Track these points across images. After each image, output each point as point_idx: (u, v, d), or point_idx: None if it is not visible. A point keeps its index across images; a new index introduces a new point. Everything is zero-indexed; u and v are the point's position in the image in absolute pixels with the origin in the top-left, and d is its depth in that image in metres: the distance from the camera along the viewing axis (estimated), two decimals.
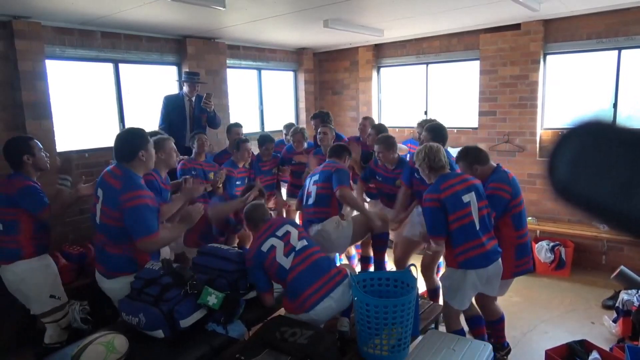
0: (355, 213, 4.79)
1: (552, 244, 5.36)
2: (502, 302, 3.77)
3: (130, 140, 2.92)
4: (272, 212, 4.50)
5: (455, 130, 6.39)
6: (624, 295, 4.08)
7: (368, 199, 4.99)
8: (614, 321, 4.00)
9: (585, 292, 4.88)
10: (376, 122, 7.04)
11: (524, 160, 5.84)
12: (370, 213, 4.06)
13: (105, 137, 5.22)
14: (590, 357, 3.28)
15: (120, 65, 5.33)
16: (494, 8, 4.80)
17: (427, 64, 6.78)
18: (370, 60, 7.22)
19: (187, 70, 5.65)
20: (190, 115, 5.31)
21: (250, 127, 6.83)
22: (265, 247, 2.99)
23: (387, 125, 5.78)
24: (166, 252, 3.49)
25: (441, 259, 4.51)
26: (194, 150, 4.65)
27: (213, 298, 2.67)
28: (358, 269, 4.90)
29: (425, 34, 6.44)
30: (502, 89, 5.94)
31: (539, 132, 5.83)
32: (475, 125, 6.25)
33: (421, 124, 4.63)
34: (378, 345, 2.62)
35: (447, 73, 6.68)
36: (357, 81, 7.47)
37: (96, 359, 2.28)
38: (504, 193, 3.31)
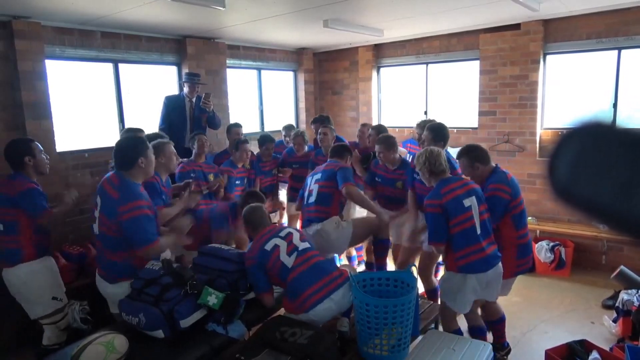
0: (355, 215, 4.80)
1: (552, 243, 5.36)
2: (502, 302, 3.76)
3: (129, 148, 2.92)
4: (270, 215, 4.50)
5: (455, 130, 6.39)
6: (624, 295, 4.08)
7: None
8: (614, 321, 4.00)
9: (585, 292, 4.88)
10: (376, 122, 7.09)
11: (523, 160, 5.84)
12: (378, 209, 4.02)
13: (105, 137, 5.23)
14: (590, 357, 3.28)
15: (120, 65, 5.33)
16: (493, 8, 4.80)
17: (427, 64, 6.78)
18: (370, 60, 7.22)
19: (187, 70, 5.65)
20: (191, 116, 5.31)
21: (250, 127, 6.83)
22: (269, 247, 2.98)
23: (387, 125, 5.79)
24: (166, 253, 3.49)
25: (440, 259, 4.51)
26: (193, 152, 4.64)
27: (213, 298, 2.67)
28: (359, 269, 4.90)
29: (425, 34, 6.44)
30: (502, 89, 5.94)
31: (538, 132, 5.83)
32: (475, 125, 6.25)
33: (420, 125, 4.62)
34: (378, 345, 2.62)
35: (447, 73, 6.68)
36: (357, 81, 7.47)
37: (96, 359, 2.28)
38: (503, 194, 3.30)
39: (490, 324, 3.56)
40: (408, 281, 2.84)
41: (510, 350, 3.65)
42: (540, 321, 4.30)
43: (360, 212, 4.87)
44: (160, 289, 2.63)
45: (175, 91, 5.80)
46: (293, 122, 7.72)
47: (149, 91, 5.71)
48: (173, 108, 5.25)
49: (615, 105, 5.33)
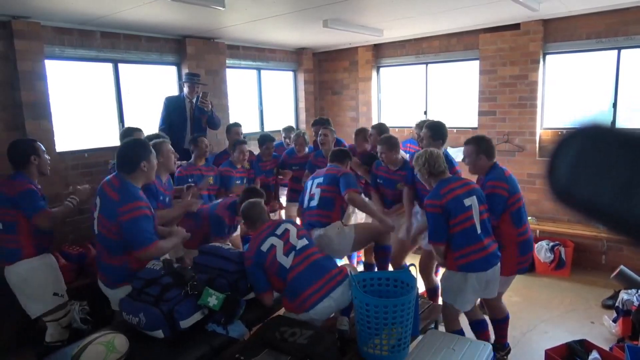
0: (358, 220, 4.80)
1: (551, 243, 5.36)
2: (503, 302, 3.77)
3: (133, 151, 2.91)
4: (270, 215, 4.49)
5: (455, 130, 6.39)
6: (623, 295, 4.08)
7: (366, 199, 4.98)
8: (614, 321, 4.00)
9: (585, 291, 4.88)
10: (376, 122, 7.08)
11: (523, 160, 5.85)
12: (381, 215, 4.02)
13: (105, 137, 5.23)
14: (590, 357, 3.29)
15: (120, 65, 5.33)
16: (493, 8, 4.80)
17: (426, 64, 6.78)
18: (369, 60, 7.22)
19: (187, 70, 5.65)
20: (191, 117, 5.31)
21: (250, 127, 6.84)
22: (265, 247, 2.98)
23: (386, 125, 5.79)
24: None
25: None
26: (193, 155, 4.62)
27: (213, 299, 2.67)
28: (359, 268, 4.90)
29: (425, 34, 6.45)
30: (501, 89, 5.94)
31: (538, 131, 5.83)
32: (475, 125, 6.25)
33: (419, 125, 4.62)
34: (378, 345, 2.62)
35: (447, 73, 6.68)
36: (357, 81, 7.47)
37: (96, 359, 2.28)
38: (502, 191, 3.31)
39: (494, 322, 3.56)
40: (408, 281, 2.84)
41: (510, 350, 3.65)
42: (540, 321, 4.30)
43: (360, 218, 4.88)
44: (160, 289, 2.63)
45: (175, 91, 5.80)
46: (293, 122, 7.73)
47: (148, 91, 5.71)
48: (173, 109, 5.25)
49: (614, 105, 5.33)
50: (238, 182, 4.76)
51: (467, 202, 3.08)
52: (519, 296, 4.75)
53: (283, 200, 5.63)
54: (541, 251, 5.35)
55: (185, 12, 4.46)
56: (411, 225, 4.17)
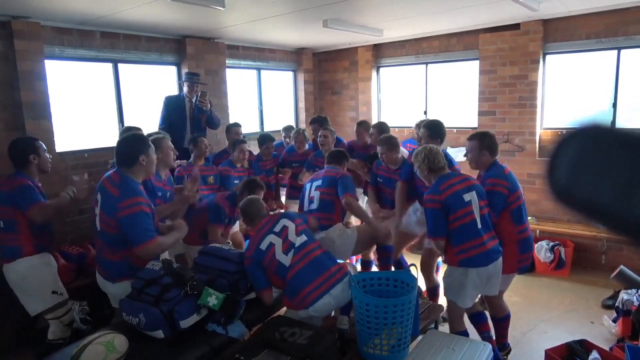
0: (359, 222, 4.80)
1: (551, 243, 5.36)
2: None
3: (131, 146, 2.90)
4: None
5: (455, 130, 6.39)
6: (623, 295, 4.08)
7: (366, 198, 4.99)
8: (614, 321, 4.00)
9: (585, 291, 4.88)
10: (376, 122, 7.08)
11: (523, 160, 5.85)
12: (375, 222, 4.02)
13: (105, 137, 5.23)
14: (590, 357, 3.28)
15: (120, 65, 5.33)
16: (493, 8, 4.80)
17: (426, 63, 6.78)
18: (369, 60, 7.22)
19: (187, 70, 5.65)
20: (191, 116, 5.31)
21: (249, 127, 6.84)
22: (263, 245, 2.98)
23: (387, 124, 5.79)
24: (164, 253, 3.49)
25: (440, 258, 4.52)
26: (192, 154, 4.62)
27: (213, 299, 2.67)
28: (358, 266, 4.90)
29: (425, 34, 6.45)
30: (501, 89, 5.95)
31: (538, 131, 5.83)
32: (475, 125, 6.24)
33: (419, 125, 4.62)
34: (378, 345, 2.62)
35: (447, 73, 6.68)
36: (357, 81, 7.47)
37: (96, 359, 2.28)
38: (502, 189, 3.31)
39: (495, 321, 3.56)
40: (408, 281, 2.84)
41: (510, 350, 3.65)
42: (540, 321, 4.30)
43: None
44: (160, 289, 2.63)
45: (174, 91, 5.80)
46: (292, 122, 7.73)
47: (148, 91, 5.71)
48: (173, 108, 5.25)
49: (614, 105, 5.34)
50: (236, 181, 4.75)
51: (466, 197, 3.08)
52: (519, 296, 4.75)
53: (283, 199, 5.63)
54: (541, 251, 5.35)
55: (185, 12, 4.46)
56: (400, 222, 4.24)
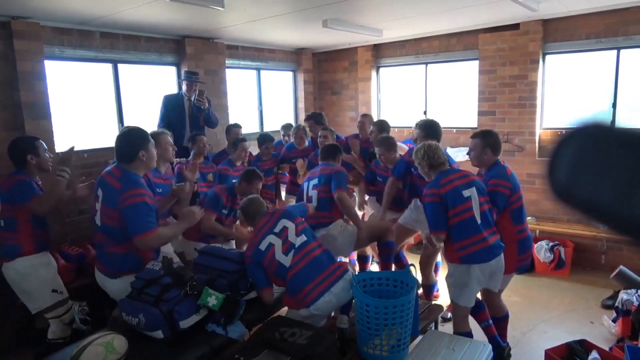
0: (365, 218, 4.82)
1: (551, 243, 5.36)
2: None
3: (131, 141, 2.91)
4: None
5: (455, 130, 6.40)
6: (623, 295, 4.08)
7: (367, 197, 5.00)
8: (614, 321, 4.00)
9: (585, 291, 4.88)
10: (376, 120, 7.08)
11: (523, 160, 5.85)
12: (361, 224, 4.01)
13: (104, 137, 5.22)
14: (589, 357, 3.28)
15: (119, 66, 5.33)
16: (493, 8, 4.80)
17: (426, 64, 6.78)
18: (369, 60, 7.22)
19: (187, 69, 5.65)
20: (190, 115, 5.31)
21: (249, 127, 6.84)
22: (263, 246, 2.98)
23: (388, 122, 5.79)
24: (168, 248, 3.48)
25: (439, 258, 4.52)
26: (192, 152, 4.63)
27: (213, 299, 2.67)
28: (357, 268, 4.90)
29: (425, 34, 6.45)
30: (501, 89, 5.95)
31: (538, 131, 5.83)
32: (475, 125, 6.24)
33: (418, 125, 4.62)
34: (378, 346, 2.62)
35: (447, 73, 6.68)
36: (356, 81, 7.47)
37: None
38: (504, 189, 3.31)
39: (494, 321, 3.56)
40: (408, 281, 2.84)
41: (510, 350, 3.64)
42: (540, 321, 4.30)
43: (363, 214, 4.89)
44: (160, 289, 2.63)
45: (174, 91, 5.79)
46: (292, 122, 7.72)
47: (148, 91, 5.70)
48: (172, 107, 5.25)
49: (614, 105, 5.34)
50: (234, 181, 4.75)
51: (466, 193, 3.08)
52: (518, 296, 4.75)
53: (283, 194, 5.65)
54: (541, 251, 5.35)
55: (184, 12, 4.46)
56: (384, 215, 4.36)
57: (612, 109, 5.35)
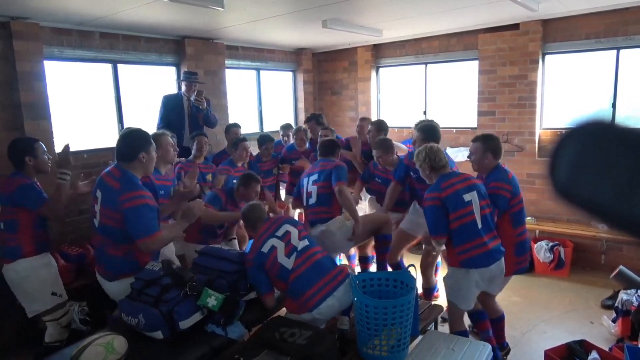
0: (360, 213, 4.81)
1: (551, 243, 5.36)
2: (502, 302, 3.76)
3: (132, 141, 2.91)
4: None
5: (455, 130, 6.40)
6: (623, 295, 4.08)
7: (369, 196, 5.01)
8: (613, 321, 4.00)
9: (585, 292, 4.88)
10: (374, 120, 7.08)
11: (522, 160, 5.85)
12: (358, 218, 4.00)
13: (104, 137, 5.22)
14: (589, 357, 3.28)
15: (119, 66, 5.32)
16: (492, 8, 4.80)
17: (426, 64, 6.78)
18: (369, 61, 7.22)
19: (186, 69, 5.65)
20: (189, 115, 5.31)
21: (249, 127, 6.84)
22: (265, 248, 2.98)
23: (386, 122, 5.79)
24: (171, 251, 3.48)
25: (439, 259, 4.52)
26: (192, 152, 4.62)
27: (212, 300, 2.67)
28: (358, 269, 4.90)
29: (424, 34, 6.45)
30: (501, 89, 5.95)
31: (537, 132, 5.83)
32: (475, 125, 6.25)
33: (418, 125, 4.62)
34: (377, 346, 2.62)
35: (446, 73, 6.68)
36: (356, 81, 7.47)
37: None
38: (505, 192, 3.31)
39: (490, 323, 3.56)
40: (407, 282, 2.84)
41: (509, 350, 3.65)
42: (540, 321, 4.30)
43: (361, 209, 4.88)
44: (160, 290, 2.63)
45: (174, 92, 5.79)
46: (292, 122, 7.72)
47: (147, 92, 5.70)
48: (171, 107, 5.24)
49: (614, 105, 5.34)
50: (235, 181, 4.74)
51: (467, 197, 3.08)
52: (518, 296, 4.75)
53: (282, 193, 5.65)
54: (540, 251, 5.35)
55: (184, 12, 4.46)
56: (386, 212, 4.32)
57: (611, 109, 5.36)
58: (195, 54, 5.84)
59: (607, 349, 3.44)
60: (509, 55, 5.81)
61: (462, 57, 6.39)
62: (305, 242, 3.07)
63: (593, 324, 4.22)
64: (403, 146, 5.20)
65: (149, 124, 5.21)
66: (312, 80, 7.86)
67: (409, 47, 6.87)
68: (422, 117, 6.45)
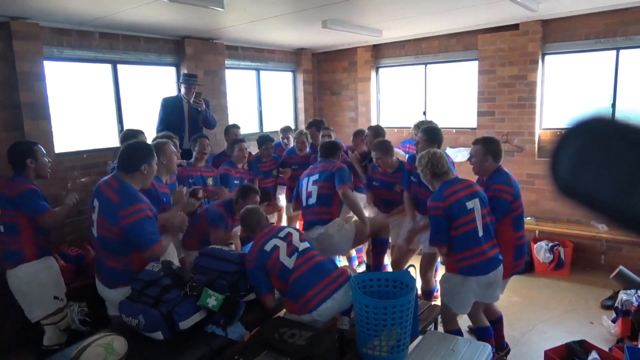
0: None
1: (551, 244, 5.36)
2: (502, 302, 3.77)
3: (136, 153, 2.91)
4: (268, 217, 4.49)
5: (454, 130, 6.40)
6: (623, 295, 4.08)
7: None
8: (613, 321, 4.01)
9: (585, 292, 4.88)
10: (375, 122, 7.10)
11: (522, 161, 5.85)
12: (366, 219, 4.01)
13: (104, 138, 5.22)
14: (589, 358, 3.28)
15: (119, 66, 5.32)
16: (492, 8, 4.80)
17: (425, 64, 6.78)
18: (368, 61, 7.22)
19: (186, 71, 5.65)
20: (189, 117, 5.30)
21: (249, 127, 6.84)
22: (268, 247, 2.98)
23: (385, 126, 5.80)
24: (173, 252, 3.48)
25: (439, 261, 4.52)
26: (194, 155, 4.60)
27: (212, 300, 2.66)
28: (359, 270, 4.90)
29: (424, 34, 6.45)
30: (500, 89, 5.95)
31: (537, 132, 5.83)
32: (474, 125, 6.25)
33: (417, 126, 4.62)
34: (377, 346, 2.62)
35: (446, 73, 6.68)
36: (356, 81, 7.47)
37: None
38: (506, 195, 3.30)
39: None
40: (407, 282, 2.84)
41: (509, 350, 3.65)
42: (540, 321, 4.30)
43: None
44: (160, 291, 2.62)
45: (173, 92, 5.80)
46: (292, 123, 7.74)
47: (147, 92, 5.70)
48: (171, 110, 5.23)
49: (613, 105, 5.34)
50: (236, 182, 4.74)
51: (469, 204, 3.07)
52: (518, 296, 4.75)
53: (282, 198, 5.62)
54: (540, 251, 5.35)
55: (183, 12, 4.46)
56: (416, 225, 4.12)
57: (611, 109, 5.36)
58: (195, 54, 5.84)
59: (607, 349, 3.44)
60: (508, 55, 5.81)
61: (462, 58, 6.39)
62: (307, 244, 3.10)
63: (593, 324, 4.22)
64: (401, 152, 5.18)
65: (149, 124, 5.21)
66: (311, 80, 7.86)
67: (408, 48, 6.87)
68: (422, 118, 6.45)
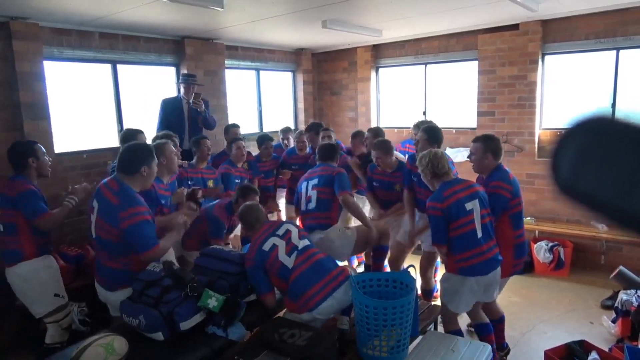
0: (358, 222, 4.80)
1: (551, 244, 5.36)
2: (502, 302, 3.77)
3: (135, 155, 2.91)
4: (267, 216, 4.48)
5: (454, 130, 6.40)
6: (623, 296, 4.08)
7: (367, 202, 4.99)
8: (613, 321, 4.01)
9: (584, 292, 4.88)
10: (375, 123, 7.09)
11: (522, 161, 5.85)
12: (371, 224, 4.00)
13: (103, 138, 5.22)
14: (589, 358, 3.29)
15: (119, 66, 5.32)
16: (492, 8, 4.80)
17: (425, 64, 6.78)
18: (368, 61, 7.22)
19: (186, 71, 5.65)
20: (189, 117, 5.30)
21: (248, 127, 6.84)
22: (266, 247, 2.98)
23: (385, 126, 5.79)
24: (171, 253, 3.48)
25: (438, 260, 4.52)
26: (195, 156, 4.59)
27: (213, 301, 2.66)
28: (358, 270, 4.90)
29: (424, 34, 6.45)
30: (500, 89, 5.95)
31: (537, 132, 5.83)
32: (474, 125, 6.25)
33: (417, 126, 4.62)
34: (377, 347, 2.62)
35: (446, 73, 6.68)
36: (356, 81, 7.47)
37: None
38: (505, 192, 3.31)
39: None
40: (407, 282, 2.84)
41: (509, 350, 3.65)
42: (540, 321, 4.30)
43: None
44: (160, 291, 2.62)
45: (173, 92, 5.80)
46: (292, 123, 7.74)
47: (147, 92, 5.70)
48: (171, 110, 5.23)
49: (613, 105, 5.34)
50: (237, 181, 4.73)
51: (468, 205, 3.07)
52: (518, 296, 4.75)
53: (282, 201, 5.61)
54: (540, 251, 5.35)
55: (183, 12, 4.46)
56: (414, 227, 4.16)
57: (611, 109, 5.35)
58: (195, 54, 5.84)
59: (606, 350, 3.44)
60: (508, 55, 5.81)
61: (462, 58, 6.39)
62: (306, 242, 3.08)
63: (593, 324, 4.22)
64: (401, 155, 5.17)
65: (149, 124, 5.21)
66: (311, 80, 7.86)
67: (408, 48, 6.87)
68: (422, 118, 6.45)
